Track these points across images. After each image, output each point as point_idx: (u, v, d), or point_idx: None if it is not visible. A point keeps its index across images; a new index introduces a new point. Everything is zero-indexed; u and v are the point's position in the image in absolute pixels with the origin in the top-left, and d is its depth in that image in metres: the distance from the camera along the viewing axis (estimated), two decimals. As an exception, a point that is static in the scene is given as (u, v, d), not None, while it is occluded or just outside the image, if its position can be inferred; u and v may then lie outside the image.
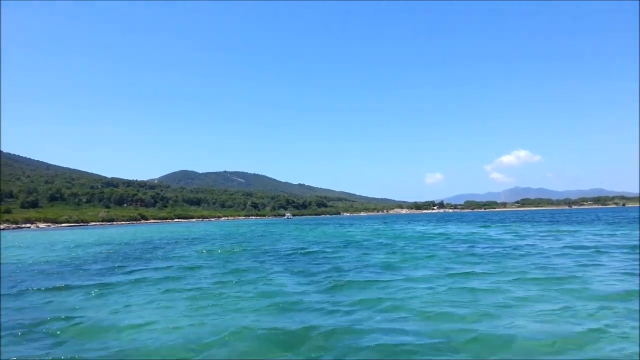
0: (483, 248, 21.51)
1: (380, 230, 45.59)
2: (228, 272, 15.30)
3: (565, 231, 33.21)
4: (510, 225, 46.19)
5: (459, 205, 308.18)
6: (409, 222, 69.97)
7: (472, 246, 22.71)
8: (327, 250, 23.27)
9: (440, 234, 35.02)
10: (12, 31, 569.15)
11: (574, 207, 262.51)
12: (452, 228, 44.65)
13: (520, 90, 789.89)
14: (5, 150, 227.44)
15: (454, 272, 13.58)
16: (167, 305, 10.01)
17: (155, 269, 16.95)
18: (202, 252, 24.16)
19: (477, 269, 14.10)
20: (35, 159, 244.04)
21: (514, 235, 30.32)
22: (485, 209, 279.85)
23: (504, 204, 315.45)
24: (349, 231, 44.57)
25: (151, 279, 14.11)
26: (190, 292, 11.45)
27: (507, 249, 20.68)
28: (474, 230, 38.27)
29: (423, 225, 54.51)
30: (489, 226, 46.22)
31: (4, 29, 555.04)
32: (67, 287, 12.82)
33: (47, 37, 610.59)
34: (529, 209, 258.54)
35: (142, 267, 17.49)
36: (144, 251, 26.01)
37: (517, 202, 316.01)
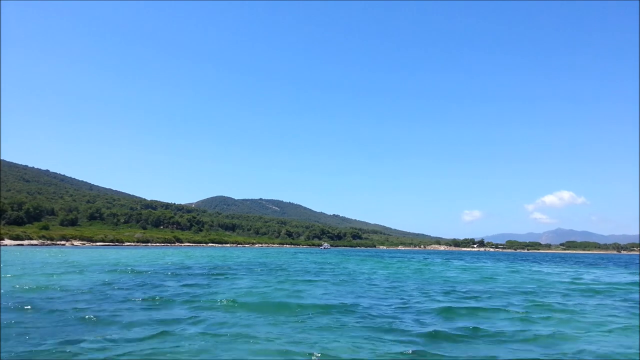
0: None
1: (490, 270, 36.87)
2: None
3: None
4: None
5: (500, 244, 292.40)
6: (498, 260, 57.29)
7: None
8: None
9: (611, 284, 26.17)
10: (65, 53, 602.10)
11: (623, 252, 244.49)
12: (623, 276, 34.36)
13: (566, 131, 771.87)
14: (52, 169, 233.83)
15: None
16: None
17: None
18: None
19: None
20: (80, 179, 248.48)
21: None
22: (528, 249, 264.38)
23: (548, 246, 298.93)
24: (456, 273, 34.11)
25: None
26: None
27: None
28: None
29: (547, 267, 43.88)
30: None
31: (56, 55, 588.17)
32: None
33: (98, 61, 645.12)
34: (574, 252, 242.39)
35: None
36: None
37: (562, 244, 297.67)
